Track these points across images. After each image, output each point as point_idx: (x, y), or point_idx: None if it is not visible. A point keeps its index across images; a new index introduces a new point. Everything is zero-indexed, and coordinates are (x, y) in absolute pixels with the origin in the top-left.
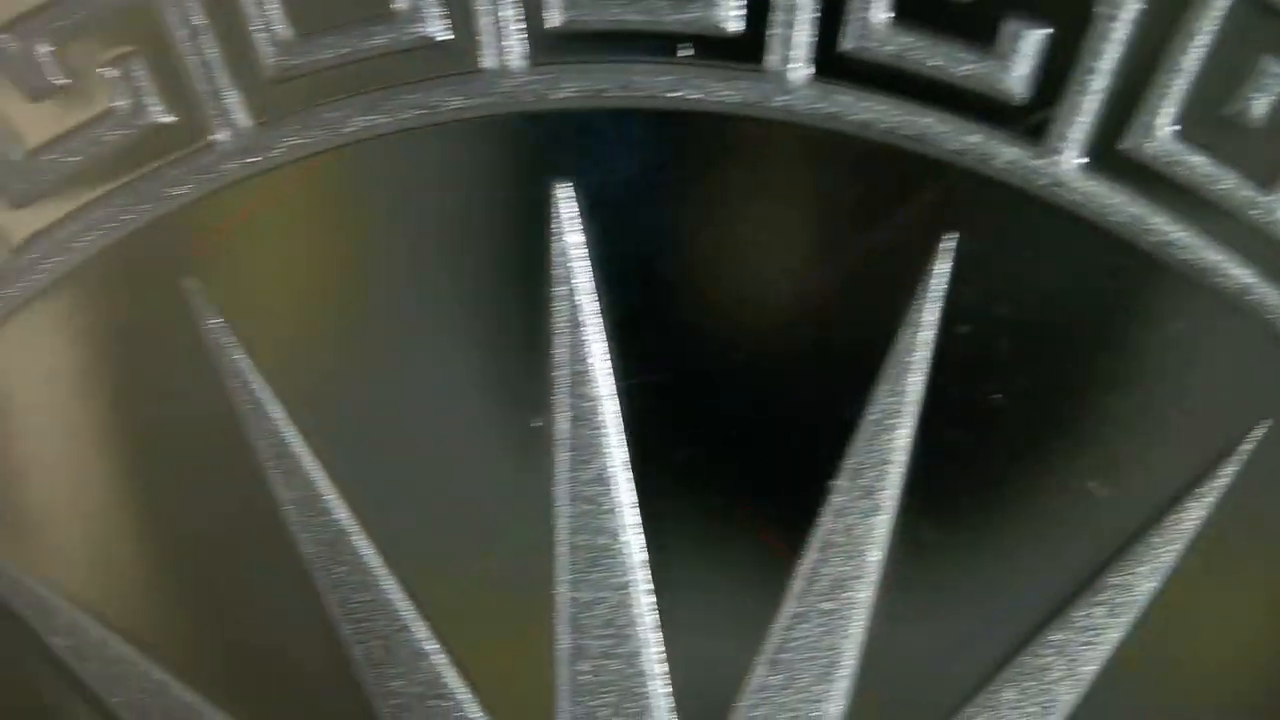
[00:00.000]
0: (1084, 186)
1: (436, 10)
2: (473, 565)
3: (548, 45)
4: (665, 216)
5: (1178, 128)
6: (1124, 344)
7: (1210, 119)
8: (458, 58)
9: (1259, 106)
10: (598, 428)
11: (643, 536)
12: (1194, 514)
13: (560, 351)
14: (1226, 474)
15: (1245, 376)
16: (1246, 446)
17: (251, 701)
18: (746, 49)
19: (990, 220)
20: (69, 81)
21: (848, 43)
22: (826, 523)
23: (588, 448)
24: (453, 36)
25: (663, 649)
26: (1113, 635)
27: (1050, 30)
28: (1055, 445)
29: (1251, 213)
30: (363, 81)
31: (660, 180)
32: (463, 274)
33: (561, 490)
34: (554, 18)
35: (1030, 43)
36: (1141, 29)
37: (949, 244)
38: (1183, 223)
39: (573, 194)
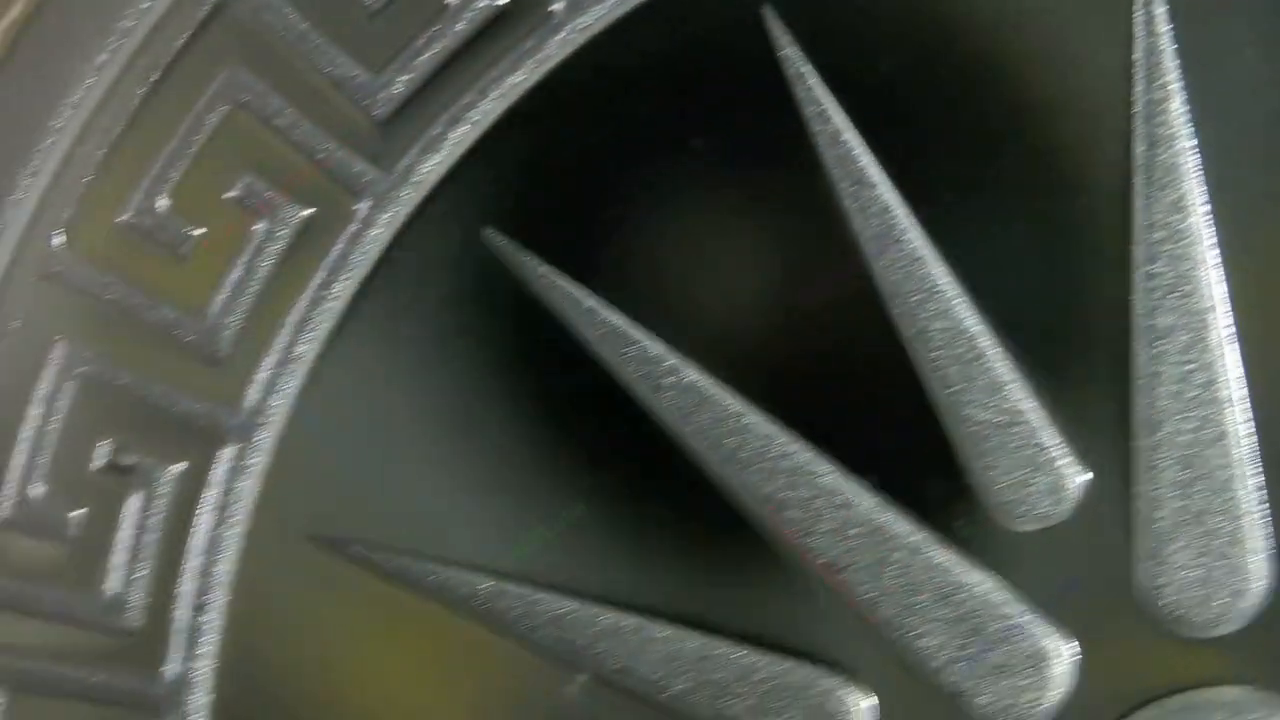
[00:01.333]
0: None
1: None
2: (1047, 289)
3: None
4: None
5: None
6: None
7: None
8: None
9: None
10: (1176, 154)
11: (1221, 264)
12: None
13: (1139, 82)
14: None
15: None
16: None
17: (831, 429)
18: None
19: None
20: None
21: None
22: None
23: (1165, 174)
24: None
25: (1242, 373)
26: None
27: None
28: None
29: None
30: None
31: None
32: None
33: (1139, 217)
34: None
35: None
36: None
37: None
38: None
39: None
